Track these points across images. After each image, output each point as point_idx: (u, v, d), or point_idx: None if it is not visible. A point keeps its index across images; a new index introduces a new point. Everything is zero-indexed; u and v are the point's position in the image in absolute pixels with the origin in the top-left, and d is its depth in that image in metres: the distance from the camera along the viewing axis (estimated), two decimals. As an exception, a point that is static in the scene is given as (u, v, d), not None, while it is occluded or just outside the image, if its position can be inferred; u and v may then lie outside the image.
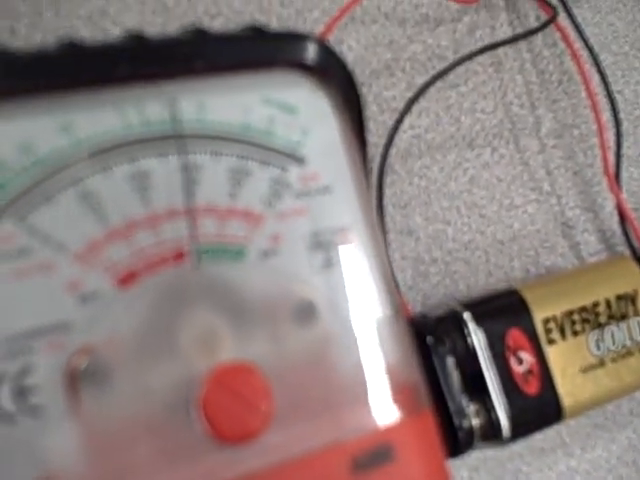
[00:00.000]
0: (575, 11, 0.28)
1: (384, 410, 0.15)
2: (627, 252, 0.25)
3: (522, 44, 0.27)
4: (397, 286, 0.22)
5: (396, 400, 0.15)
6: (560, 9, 0.26)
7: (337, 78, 0.16)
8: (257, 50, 0.16)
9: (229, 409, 0.13)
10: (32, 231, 0.13)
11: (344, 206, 0.16)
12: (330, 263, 0.16)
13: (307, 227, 0.15)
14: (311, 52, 0.16)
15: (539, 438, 0.23)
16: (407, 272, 0.23)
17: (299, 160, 0.16)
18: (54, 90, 0.14)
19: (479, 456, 0.22)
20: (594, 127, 0.26)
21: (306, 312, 0.15)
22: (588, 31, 0.28)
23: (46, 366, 0.13)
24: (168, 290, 0.14)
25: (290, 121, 0.16)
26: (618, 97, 0.28)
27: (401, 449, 0.15)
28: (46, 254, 0.13)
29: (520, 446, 0.23)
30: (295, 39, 0.16)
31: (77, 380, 0.13)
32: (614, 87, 0.28)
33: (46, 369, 0.13)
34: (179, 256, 0.14)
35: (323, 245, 0.16)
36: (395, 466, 0.15)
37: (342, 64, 0.16)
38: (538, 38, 0.27)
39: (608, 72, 0.27)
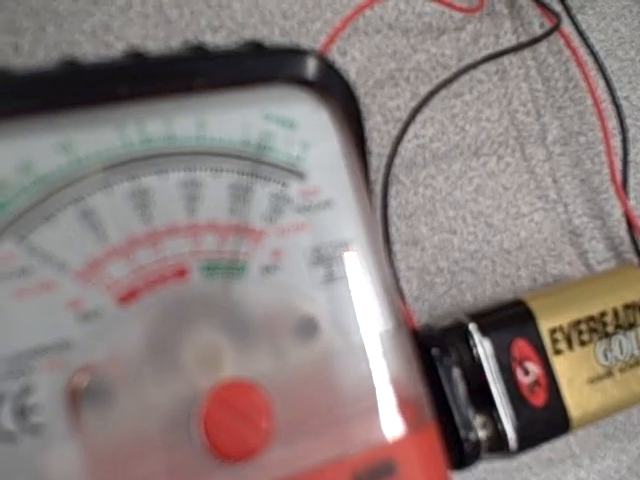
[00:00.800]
0: (579, 18, 0.28)
1: (386, 425, 0.15)
2: (635, 260, 0.25)
3: (526, 51, 0.27)
4: (403, 297, 0.22)
5: (399, 415, 0.15)
6: (564, 16, 0.26)
7: (337, 93, 0.16)
8: (256, 66, 0.16)
9: (230, 427, 0.13)
10: (32, 250, 0.13)
11: (346, 220, 0.16)
12: (332, 278, 0.15)
13: (308, 242, 0.15)
14: (311, 67, 0.16)
15: (547, 448, 0.23)
16: (413, 283, 0.23)
17: (299, 175, 0.16)
18: (54, 109, 0.14)
19: (487, 467, 0.22)
20: (600, 134, 0.26)
21: (308, 328, 0.15)
22: (593, 37, 0.28)
23: (47, 385, 0.13)
24: (170, 307, 0.14)
25: (290, 136, 0.16)
26: (625, 103, 0.28)
27: (404, 464, 0.15)
28: (47, 273, 0.13)
29: (528, 457, 0.23)
30: (294, 54, 0.16)
31: (78, 399, 0.13)
32: (620, 93, 0.28)
33: (47, 388, 0.13)
34: (180, 273, 0.14)
35: (324, 260, 0.15)
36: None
37: (342, 78, 0.16)
38: (542, 45, 0.27)
39: (614, 78, 0.27)
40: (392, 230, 0.23)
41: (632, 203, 0.25)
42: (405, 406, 0.15)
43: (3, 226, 0.13)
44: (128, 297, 0.14)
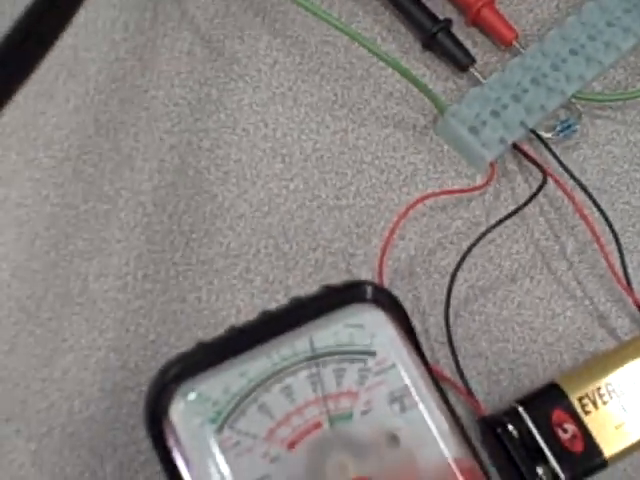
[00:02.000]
0: (575, 154, 0.38)
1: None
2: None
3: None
4: (472, 394, 0.32)
5: (460, 472, 0.26)
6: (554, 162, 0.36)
7: (387, 302, 0.28)
8: (337, 296, 0.28)
9: (359, 506, 0.25)
10: (238, 431, 0.26)
11: (406, 372, 0.27)
12: (404, 408, 0.27)
13: (385, 390, 0.27)
14: (369, 291, 0.28)
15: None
16: (484, 384, 0.33)
17: (372, 354, 0.27)
18: (235, 353, 0.27)
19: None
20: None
21: (393, 440, 0.26)
22: (591, 164, 0.38)
23: (262, 501, 0.25)
24: (316, 445, 0.26)
25: (362, 333, 0.27)
26: (627, 207, 0.37)
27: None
28: (247, 442, 0.26)
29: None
30: (359, 285, 0.28)
31: (278, 505, 0.25)
32: (621, 200, 0.37)
33: (262, 502, 0.25)
34: (317, 425, 0.26)
35: (397, 398, 0.27)
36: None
37: (389, 294, 0.28)
38: (550, 185, 0.37)
39: (614, 189, 0.37)
40: (460, 350, 0.33)
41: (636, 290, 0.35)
42: (463, 469, 0.26)
43: (222, 423, 0.26)
44: (292, 444, 0.26)
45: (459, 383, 0.32)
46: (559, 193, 0.37)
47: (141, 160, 0.36)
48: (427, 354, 0.32)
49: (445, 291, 0.34)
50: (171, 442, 0.26)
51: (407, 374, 0.27)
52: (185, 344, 0.30)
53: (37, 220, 0.34)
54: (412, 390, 0.27)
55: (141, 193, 0.35)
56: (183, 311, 0.33)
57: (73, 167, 0.35)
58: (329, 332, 0.27)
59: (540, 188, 0.35)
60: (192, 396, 0.26)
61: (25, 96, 0.36)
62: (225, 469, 0.25)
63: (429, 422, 0.27)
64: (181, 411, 0.26)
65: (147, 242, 0.34)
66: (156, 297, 0.33)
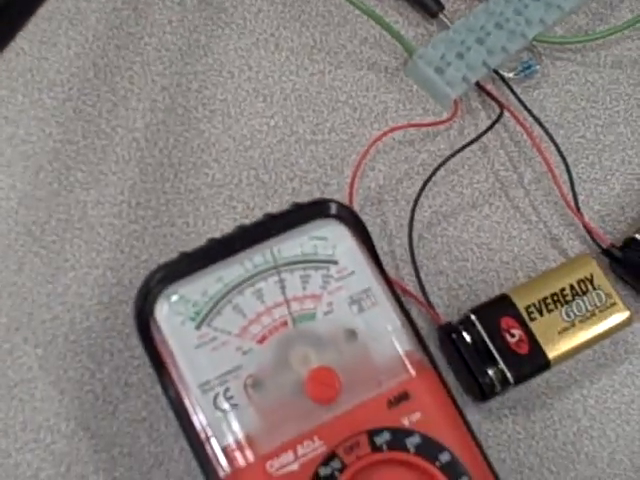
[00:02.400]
0: (536, 92, 0.41)
1: (403, 373, 0.29)
2: (588, 250, 0.38)
3: (499, 125, 0.40)
4: (433, 307, 0.36)
5: (410, 367, 0.30)
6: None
7: (349, 218, 0.32)
8: (304, 213, 0.32)
9: (319, 389, 0.29)
10: (214, 328, 0.30)
11: (364, 278, 0.31)
12: (362, 309, 0.31)
13: (346, 293, 0.31)
14: (333, 208, 0.32)
15: (554, 379, 0.36)
16: (444, 297, 0.37)
17: (334, 262, 0.31)
18: (213, 261, 0.30)
19: (515, 397, 0.35)
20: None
21: (352, 335, 0.30)
22: (550, 101, 0.41)
23: (235, 386, 0.29)
24: (282, 341, 0.30)
25: (325, 244, 0.31)
26: (582, 140, 0.41)
27: (414, 393, 0.29)
28: (222, 337, 0.29)
29: (539, 385, 0.36)
30: (324, 202, 0.32)
31: (248, 389, 0.29)
32: (577, 134, 0.41)
33: (235, 387, 0.29)
34: (284, 323, 0.30)
35: (356, 300, 0.31)
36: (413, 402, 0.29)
37: (351, 210, 0.32)
38: (510, 118, 0.40)
39: (571, 124, 0.40)
40: (422, 267, 0.37)
41: (586, 217, 0.38)
42: (413, 361, 0.30)
43: (201, 321, 0.30)
44: (262, 339, 0.30)
45: (421, 297, 0.36)
46: (518, 128, 0.40)
47: (135, 100, 0.39)
48: (392, 272, 0.36)
49: (409, 216, 0.37)
50: (157, 338, 0.30)
51: (365, 280, 0.31)
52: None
53: (41, 154, 0.38)
54: (369, 293, 0.31)
55: (135, 130, 0.39)
56: (172, 234, 0.37)
57: (74, 107, 0.39)
58: (296, 243, 0.31)
59: (496, 120, 0.39)
60: (174, 298, 0.30)
61: (30, 43, 0.39)
62: (203, 361, 0.29)
63: (383, 320, 0.30)
64: (165, 311, 0.30)
65: (140, 173, 0.38)
66: (148, 222, 0.37)
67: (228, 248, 0.31)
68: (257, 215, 0.37)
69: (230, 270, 0.30)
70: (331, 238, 0.31)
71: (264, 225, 0.31)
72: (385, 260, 0.37)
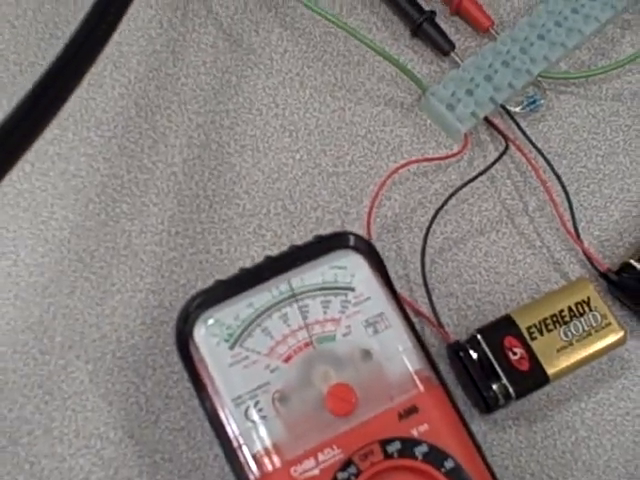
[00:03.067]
0: (541, 125, 0.44)
1: (412, 388, 0.33)
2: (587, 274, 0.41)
3: (505, 157, 0.44)
4: (442, 326, 0.39)
5: (419, 383, 0.33)
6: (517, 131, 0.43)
7: (366, 249, 0.35)
8: (325, 244, 0.36)
9: (338, 403, 0.32)
10: (246, 348, 0.33)
11: (379, 303, 0.35)
12: (377, 331, 0.34)
13: (362, 317, 0.34)
14: (352, 240, 0.36)
15: (554, 393, 0.39)
16: (453, 317, 0.41)
17: (352, 289, 0.35)
18: (245, 288, 0.34)
19: (518, 409, 0.39)
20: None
21: (367, 355, 0.34)
22: (554, 133, 0.44)
23: (263, 401, 0.33)
24: (306, 359, 0.34)
25: (344, 273, 0.35)
26: (583, 170, 0.44)
27: (423, 407, 0.33)
28: (253, 356, 0.33)
29: (540, 399, 0.39)
30: (343, 234, 0.36)
31: (276, 402, 0.33)
32: (579, 164, 0.44)
33: (263, 401, 0.33)
34: (307, 344, 0.34)
35: (372, 323, 0.34)
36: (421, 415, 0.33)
37: (367, 241, 0.35)
38: (515, 151, 0.44)
39: (573, 155, 0.44)
40: (434, 289, 0.41)
41: (585, 243, 0.41)
42: (422, 378, 0.33)
43: (234, 342, 0.33)
44: (288, 359, 0.34)
45: (432, 317, 0.39)
46: (524, 159, 0.43)
47: (173, 137, 0.44)
48: (407, 293, 0.40)
49: (422, 242, 0.41)
50: (195, 357, 0.34)
51: (380, 305, 0.35)
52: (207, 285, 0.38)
53: (90, 188, 0.42)
54: (383, 317, 0.34)
55: (173, 165, 0.43)
56: (207, 260, 0.41)
57: (118, 144, 0.43)
58: (318, 272, 0.35)
59: (502, 154, 0.42)
60: (211, 321, 0.34)
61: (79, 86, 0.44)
62: (236, 377, 0.33)
63: (396, 341, 0.34)
64: (202, 333, 0.34)
65: (178, 205, 0.42)
66: (185, 250, 0.41)
67: (258, 277, 0.35)
68: (284, 242, 0.41)
69: (259, 297, 0.34)
70: (349, 267, 0.35)
71: (289, 256, 0.35)
72: (400, 283, 0.41)
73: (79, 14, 0.35)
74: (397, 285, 0.37)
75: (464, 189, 0.42)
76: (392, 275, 0.37)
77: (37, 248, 0.40)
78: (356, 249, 0.36)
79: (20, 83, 0.44)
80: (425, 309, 0.40)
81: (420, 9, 0.47)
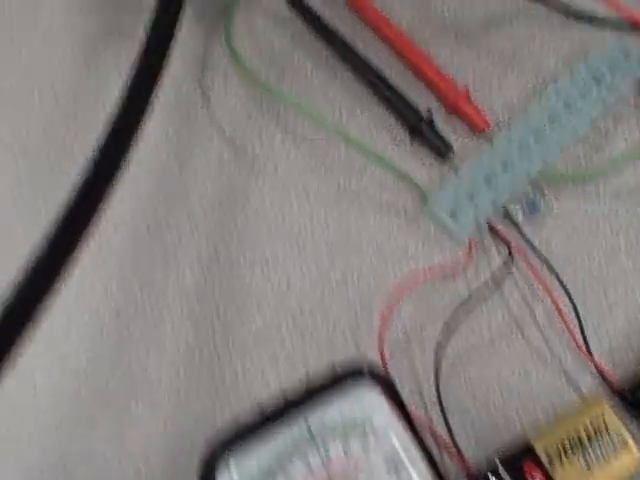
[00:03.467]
0: (542, 231, 0.45)
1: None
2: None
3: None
4: (461, 454, 0.40)
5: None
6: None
7: (382, 381, 0.36)
8: (340, 379, 0.36)
9: None
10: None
11: (398, 441, 0.35)
12: (397, 470, 0.35)
13: (382, 456, 0.35)
14: (366, 373, 0.36)
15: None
16: (469, 433, 0.41)
17: (370, 425, 0.35)
18: (263, 432, 0.35)
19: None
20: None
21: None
22: (555, 235, 0.45)
23: None
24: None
25: (362, 408, 0.35)
26: (587, 276, 0.45)
27: None
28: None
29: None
30: (358, 369, 0.36)
31: None
32: (584, 267, 0.45)
33: None
34: (331, 486, 0.34)
35: (392, 464, 0.35)
36: None
37: (382, 375, 0.36)
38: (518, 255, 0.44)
39: (577, 258, 0.45)
40: (450, 412, 0.41)
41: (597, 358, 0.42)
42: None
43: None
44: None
45: (449, 442, 0.40)
46: (529, 270, 0.44)
47: (182, 254, 0.44)
48: (421, 411, 0.40)
49: (434, 358, 0.41)
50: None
51: (399, 441, 0.35)
52: (224, 413, 0.40)
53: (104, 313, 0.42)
54: (403, 454, 0.35)
55: (185, 286, 0.43)
56: (224, 385, 0.41)
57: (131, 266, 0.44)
58: (336, 411, 0.35)
59: (507, 265, 0.43)
60: (232, 467, 0.34)
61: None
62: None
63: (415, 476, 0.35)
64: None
65: (192, 326, 0.43)
66: (202, 378, 0.41)
67: (276, 419, 0.35)
68: (297, 362, 0.42)
69: (278, 442, 0.35)
70: (367, 402, 0.36)
71: (305, 395, 0.36)
72: (414, 399, 0.41)
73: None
74: (410, 401, 0.38)
75: (471, 299, 0.43)
76: (406, 393, 0.38)
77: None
78: (372, 382, 0.36)
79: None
80: (440, 429, 0.40)
81: (417, 113, 0.47)
